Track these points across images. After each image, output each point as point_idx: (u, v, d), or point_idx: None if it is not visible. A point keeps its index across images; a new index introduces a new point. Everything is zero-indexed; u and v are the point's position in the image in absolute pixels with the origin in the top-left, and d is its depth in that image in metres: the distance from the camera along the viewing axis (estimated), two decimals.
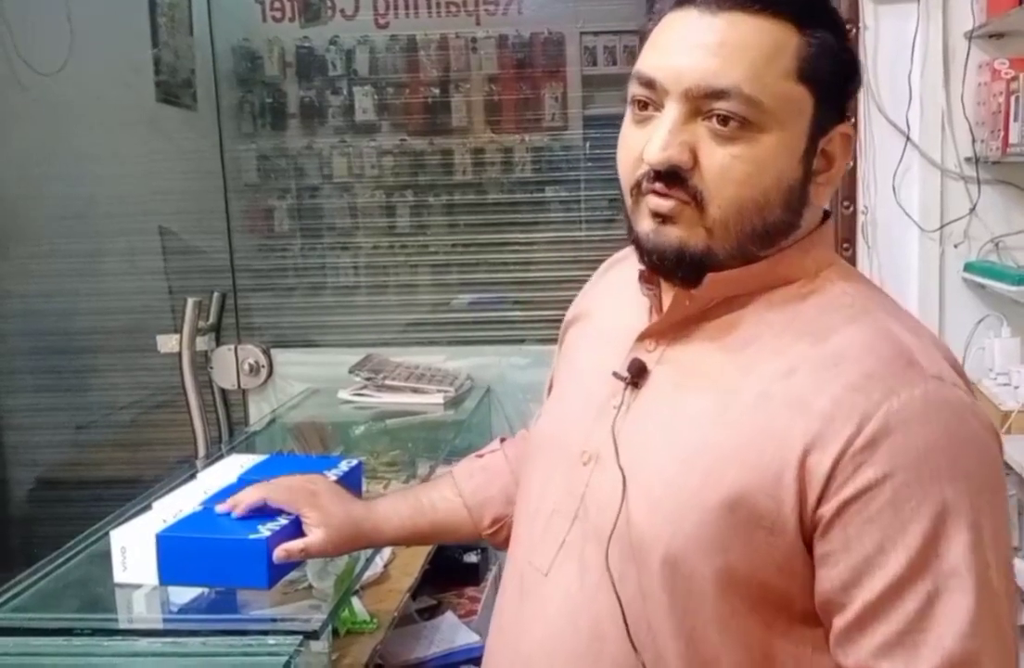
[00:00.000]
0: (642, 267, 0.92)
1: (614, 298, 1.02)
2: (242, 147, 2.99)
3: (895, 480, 0.77)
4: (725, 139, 0.83)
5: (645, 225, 0.87)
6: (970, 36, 2.29)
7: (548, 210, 2.97)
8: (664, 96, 0.84)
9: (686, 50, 0.83)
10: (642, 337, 0.92)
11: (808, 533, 0.81)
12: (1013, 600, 0.81)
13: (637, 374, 0.91)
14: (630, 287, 0.97)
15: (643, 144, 0.85)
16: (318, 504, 1.12)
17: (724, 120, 0.82)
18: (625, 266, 1.02)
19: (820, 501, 0.79)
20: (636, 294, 0.96)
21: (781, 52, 0.82)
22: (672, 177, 0.83)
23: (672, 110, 0.84)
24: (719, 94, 0.81)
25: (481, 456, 1.26)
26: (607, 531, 0.87)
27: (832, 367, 0.82)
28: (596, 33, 3.02)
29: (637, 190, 0.87)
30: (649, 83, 0.85)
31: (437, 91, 3.01)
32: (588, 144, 3.01)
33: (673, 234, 0.86)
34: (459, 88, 3.01)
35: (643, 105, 0.86)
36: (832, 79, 0.85)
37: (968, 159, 2.33)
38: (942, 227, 2.35)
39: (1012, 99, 2.13)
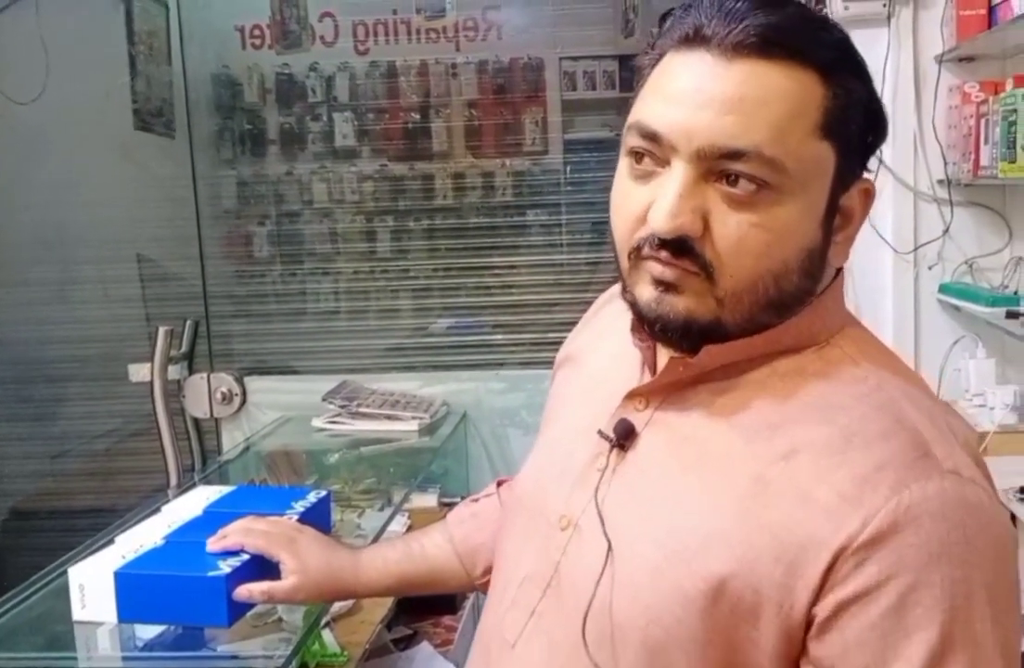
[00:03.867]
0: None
1: (607, 341, 0.94)
2: (221, 173, 3.00)
3: (900, 582, 0.69)
4: (741, 205, 0.74)
5: (646, 293, 0.78)
6: (940, 60, 2.31)
7: (529, 234, 2.98)
8: (671, 153, 0.74)
9: (699, 104, 0.73)
10: (631, 395, 0.84)
11: (795, 632, 0.73)
12: None
13: (624, 436, 0.83)
14: (624, 331, 0.88)
15: (645, 203, 0.76)
16: (295, 550, 1.09)
17: (735, 182, 0.73)
18: (621, 305, 0.88)
19: (816, 600, 0.72)
20: (629, 340, 0.87)
21: (807, 107, 0.73)
22: (680, 246, 0.74)
23: (681, 170, 0.74)
24: (736, 155, 0.72)
25: (476, 500, 1.19)
26: (582, 607, 0.79)
27: (838, 453, 0.73)
28: (575, 58, 3.05)
29: (636, 253, 0.78)
30: (653, 136, 0.75)
31: (417, 116, 3.03)
32: (568, 168, 3.02)
33: (680, 305, 0.76)
34: (439, 113, 3.03)
35: (641, 157, 0.77)
36: (858, 132, 0.77)
37: (940, 181, 2.34)
38: (916, 249, 2.36)
39: (982, 122, 2.14)
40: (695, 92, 0.74)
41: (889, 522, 0.70)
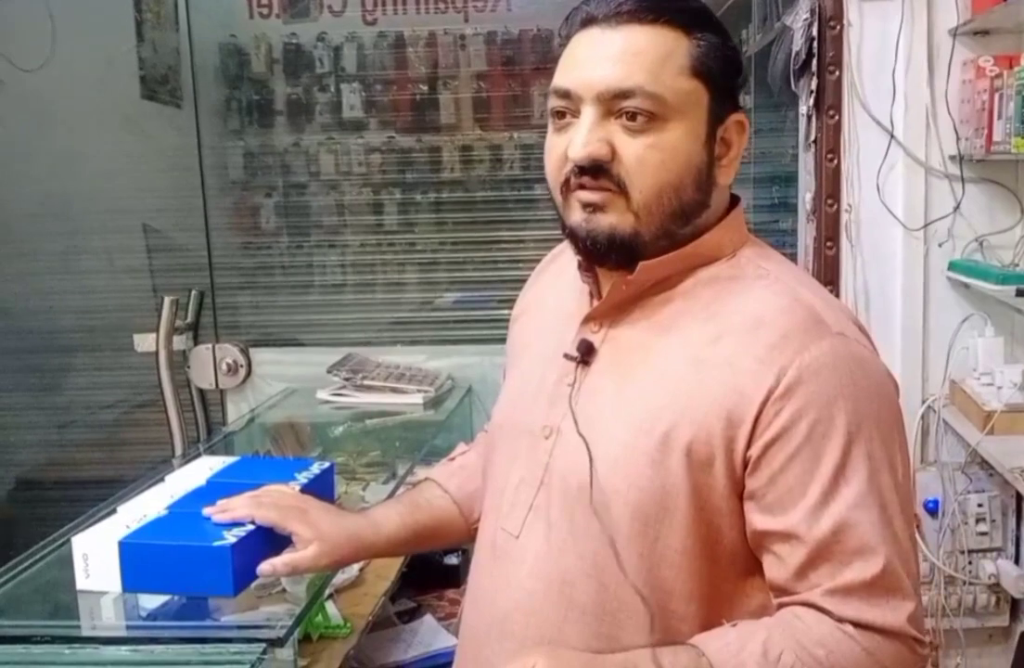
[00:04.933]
0: (579, 258, 1.04)
1: (555, 290, 1.15)
2: (229, 144, 2.97)
3: (809, 419, 0.92)
4: (637, 132, 0.96)
5: (577, 216, 0.99)
6: (954, 33, 2.27)
7: (537, 208, 2.95)
8: (580, 103, 0.97)
9: (594, 62, 0.96)
10: (586, 320, 1.04)
11: (738, 473, 0.95)
12: (910, 517, 0.97)
13: (586, 353, 1.03)
14: (569, 279, 1.10)
15: (566, 146, 0.97)
16: (308, 520, 1.11)
17: (633, 116, 0.95)
18: (562, 261, 1.16)
19: (749, 444, 0.94)
20: (575, 284, 1.08)
21: (674, 54, 0.96)
22: (596, 170, 0.96)
23: (588, 113, 0.97)
24: (626, 94, 0.95)
25: (453, 459, 1.32)
26: (573, 492, 0.99)
27: (752, 330, 0.96)
28: None
29: (566, 187, 0.99)
30: (565, 94, 0.98)
31: (425, 88, 3.00)
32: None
33: (604, 221, 0.98)
34: (447, 85, 2.99)
35: (561, 115, 0.99)
36: (721, 74, 0.99)
37: (952, 157, 2.31)
38: (926, 226, 2.34)
39: (996, 97, 2.11)
40: (591, 55, 0.97)
41: (795, 376, 0.92)
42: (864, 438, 0.93)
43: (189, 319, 2.74)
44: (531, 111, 2.98)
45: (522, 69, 2.99)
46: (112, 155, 2.84)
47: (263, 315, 2.91)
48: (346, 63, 2.99)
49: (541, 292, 1.19)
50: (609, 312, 1.03)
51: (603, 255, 1.00)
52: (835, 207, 2.36)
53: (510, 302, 3.02)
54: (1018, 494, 2.15)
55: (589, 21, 0.98)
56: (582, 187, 0.97)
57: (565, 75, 0.98)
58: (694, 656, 0.93)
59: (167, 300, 2.58)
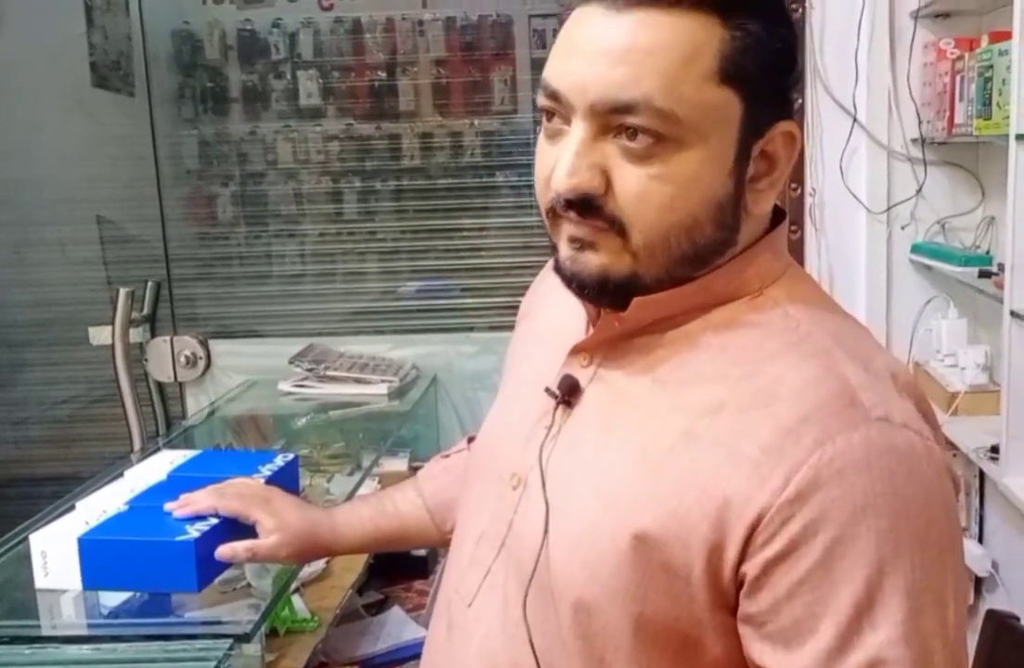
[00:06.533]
0: None
1: (557, 298, 0.91)
2: (183, 132, 2.92)
3: (825, 537, 0.68)
4: (639, 158, 0.73)
5: (563, 251, 0.78)
6: (916, 16, 2.28)
7: (498, 195, 2.93)
8: (571, 111, 0.74)
9: (590, 57, 0.72)
10: (575, 351, 0.84)
11: (726, 588, 0.73)
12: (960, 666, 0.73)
13: (569, 392, 0.83)
14: None
15: (552, 164, 0.76)
16: (271, 510, 1.08)
17: (635, 134, 0.72)
18: None
19: (743, 558, 0.71)
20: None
21: (700, 53, 0.71)
22: (586, 205, 0.74)
23: (578, 129, 0.74)
24: (627, 108, 0.71)
25: (447, 456, 1.21)
26: (528, 568, 0.80)
27: (763, 406, 0.73)
28: (545, 16, 2.99)
29: (553, 213, 0.78)
30: (554, 95, 0.75)
31: (384, 75, 2.96)
32: (538, 128, 2.96)
33: (594, 261, 0.77)
34: (406, 72, 2.96)
35: (551, 115, 0.77)
36: (763, 75, 0.74)
37: (914, 140, 2.32)
38: (889, 209, 2.35)
39: (957, 79, 2.12)
40: (587, 46, 0.73)
41: (812, 476, 0.69)
42: (903, 567, 0.69)
43: (146, 311, 2.69)
44: (491, 97, 2.96)
45: (482, 55, 2.96)
46: (63, 143, 2.78)
47: (222, 306, 2.86)
48: (302, 49, 2.94)
49: (547, 295, 0.95)
50: (601, 345, 0.83)
51: (592, 298, 0.80)
52: (799, 191, 2.36)
53: (473, 290, 2.98)
54: (982, 474, 2.17)
55: None
56: (569, 219, 0.76)
57: (554, 68, 0.75)
58: None
59: (122, 292, 2.53)
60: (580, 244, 0.77)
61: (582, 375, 0.83)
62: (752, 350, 0.76)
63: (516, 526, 0.84)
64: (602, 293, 0.78)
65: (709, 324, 0.79)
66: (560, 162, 0.74)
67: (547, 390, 0.84)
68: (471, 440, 1.15)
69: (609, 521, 0.76)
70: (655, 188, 0.73)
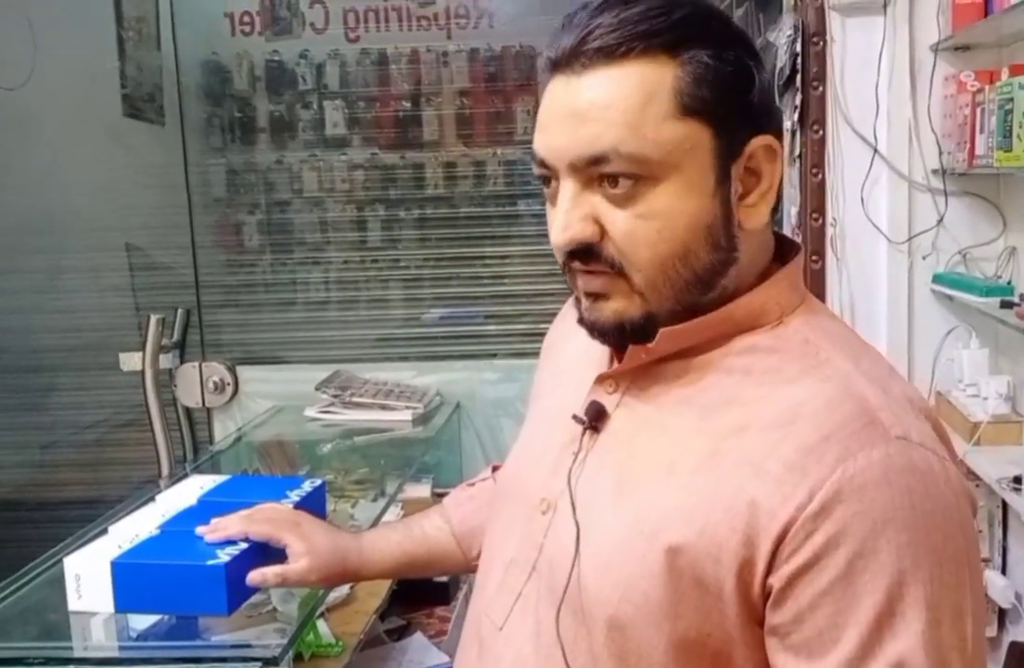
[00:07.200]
0: None
1: (582, 330, 0.94)
2: (211, 161, 2.97)
3: (847, 550, 0.72)
4: (624, 201, 0.78)
5: (582, 304, 0.85)
6: (936, 49, 2.30)
7: (521, 223, 2.96)
8: (557, 173, 0.81)
9: (558, 124, 0.79)
10: (601, 379, 0.88)
11: (756, 601, 0.76)
12: None
13: (596, 418, 0.86)
14: None
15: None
16: (302, 533, 1.09)
17: (615, 181, 0.78)
18: None
19: (769, 571, 0.74)
20: None
21: (654, 95, 0.77)
22: (586, 253, 0.80)
23: (566, 186, 0.80)
24: (600, 160, 0.77)
25: (472, 484, 1.22)
26: (560, 590, 0.82)
27: (786, 425, 0.76)
28: None
29: (568, 269, 0.84)
30: (542, 163, 0.82)
31: (408, 105, 3.01)
32: None
33: (608, 309, 0.82)
34: (430, 102, 3.01)
35: (548, 181, 0.83)
36: (723, 99, 0.78)
37: (935, 171, 2.33)
38: (910, 239, 2.35)
39: (978, 111, 2.13)
40: (556, 113, 0.80)
41: (834, 492, 0.72)
42: (922, 579, 0.72)
43: (175, 337, 2.72)
44: (514, 127, 3.00)
45: (505, 85, 3.00)
46: (96, 173, 2.83)
47: (249, 333, 2.90)
48: (329, 80, 3.00)
49: (568, 329, 0.98)
50: (627, 374, 0.86)
51: (616, 344, 0.85)
52: (820, 221, 2.37)
53: (497, 317, 3.00)
54: (1004, 504, 2.16)
55: (553, 68, 0.81)
56: (580, 273, 0.82)
57: (537, 139, 0.82)
58: None
59: (153, 318, 2.57)
60: (595, 297, 0.83)
61: (608, 401, 0.87)
62: (774, 374, 0.80)
63: (547, 550, 0.86)
64: (622, 337, 0.83)
65: (731, 350, 0.83)
66: (555, 220, 0.80)
67: (574, 417, 0.87)
68: (495, 469, 1.17)
69: (640, 541, 0.78)
70: (641, 226, 0.78)
